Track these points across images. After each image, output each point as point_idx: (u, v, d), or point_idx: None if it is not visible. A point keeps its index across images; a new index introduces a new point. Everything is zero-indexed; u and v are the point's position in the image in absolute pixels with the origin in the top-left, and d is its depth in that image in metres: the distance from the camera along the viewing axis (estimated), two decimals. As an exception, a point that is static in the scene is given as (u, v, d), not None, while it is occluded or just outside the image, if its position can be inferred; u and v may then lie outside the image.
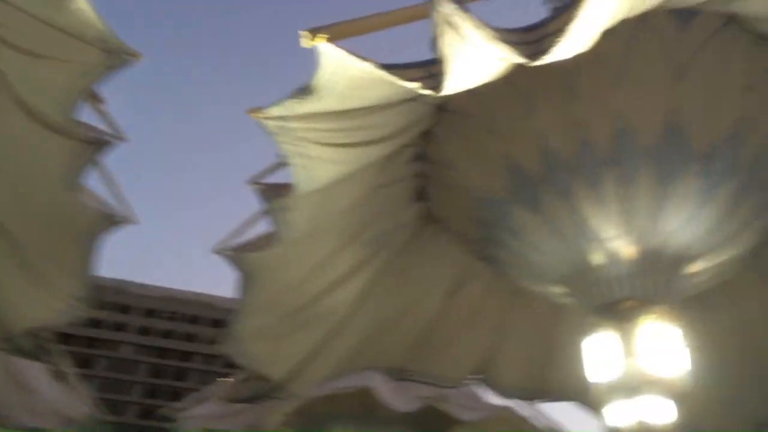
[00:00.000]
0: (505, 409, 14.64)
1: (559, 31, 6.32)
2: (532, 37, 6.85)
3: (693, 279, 8.58)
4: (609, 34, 6.86)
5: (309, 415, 13.29)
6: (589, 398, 10.78)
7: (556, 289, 9.38)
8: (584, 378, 9.09)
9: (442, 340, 11.89)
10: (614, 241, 8.24)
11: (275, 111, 7.34)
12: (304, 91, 7.13)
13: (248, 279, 9.38)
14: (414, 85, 6.85)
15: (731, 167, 7.61)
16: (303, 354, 11.04)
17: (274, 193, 8.55)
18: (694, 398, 8.16)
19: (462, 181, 9.22)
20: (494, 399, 13.87)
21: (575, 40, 6.49)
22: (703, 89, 7.55)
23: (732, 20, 7.29)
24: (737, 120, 7.56)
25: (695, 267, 8.39)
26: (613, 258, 8.36)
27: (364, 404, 13.52)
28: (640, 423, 7.77)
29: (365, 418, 12.97)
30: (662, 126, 7.62)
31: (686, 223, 7.95)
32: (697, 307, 10.36)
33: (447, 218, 10.25)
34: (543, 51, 6.50)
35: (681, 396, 7.87)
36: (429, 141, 9.28)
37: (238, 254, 9.29)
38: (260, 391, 11.11)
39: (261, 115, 7.36)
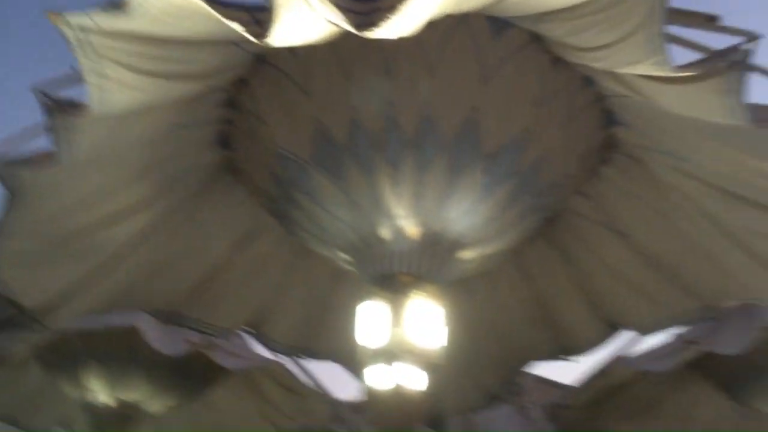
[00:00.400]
0: (274, 362, 14.89)
1: (391, 8, 6.43)
2: (364, 8, 6.89)
3: (463, 264, 9.41)
4: (431, 25, 7.13)
5: (63, 350, 12.34)
6: (353, 361, 11.50)
7: (342, 256, 9.74)
8: (352, 341, 9.62)
9: (221, 289, 11.81)
10: (402, 220, 8.74)
11: (78, 20, 6.57)
12: (115, 5, 6.48)
13: (14, 197, 8.46)
14: (237, 27, 6.54)
15: (511, 170, 8.42)
16: (64, 286, 10.31)
17: (60, 108, 7.69)
18: (443, 370, 8.98)
19: (268, 137, 9.11)
20: (264, 352, 14.08)
21: (404, 22, 6.68)
22: (501, 96, 8.20)
23: (537, 39, 8.01)
24: (523, 130, 8.35)
25: (466, 254, 9.20)
26: (398, 235, 8.87)
27: (128, 345, 12.83)
28: (396, 387, 8.36)
29: (127, 359, 12.36)
30: (461, 121, 8.18)
31: (466, 213, 8.67)
32: (460, 290, 11.52)
33: (247, 170, 10.10)
34: (373, 24, 6.56)
35: (434, 367, 8.61)
36: (241, 89, 9.00)
37: (6, 167, 8.30)
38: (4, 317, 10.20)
39: (61, 21, 6.56)
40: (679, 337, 12.14)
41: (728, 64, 6.43)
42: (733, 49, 6.71)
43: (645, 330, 11.70)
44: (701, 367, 14.66)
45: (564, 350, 12.41)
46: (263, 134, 9.19)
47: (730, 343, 11.82)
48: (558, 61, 8.17)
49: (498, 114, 8.25)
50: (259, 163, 9.58)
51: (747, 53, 6.54)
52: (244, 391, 14.26)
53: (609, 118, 8.84)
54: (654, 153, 8.79)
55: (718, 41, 7.45)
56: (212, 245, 11.22)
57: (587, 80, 8.32)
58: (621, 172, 9.50)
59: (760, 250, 9.12)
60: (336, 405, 16.06)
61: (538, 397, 18.11)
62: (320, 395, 16.03)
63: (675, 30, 7.49)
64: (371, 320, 8.95)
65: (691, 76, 6.64)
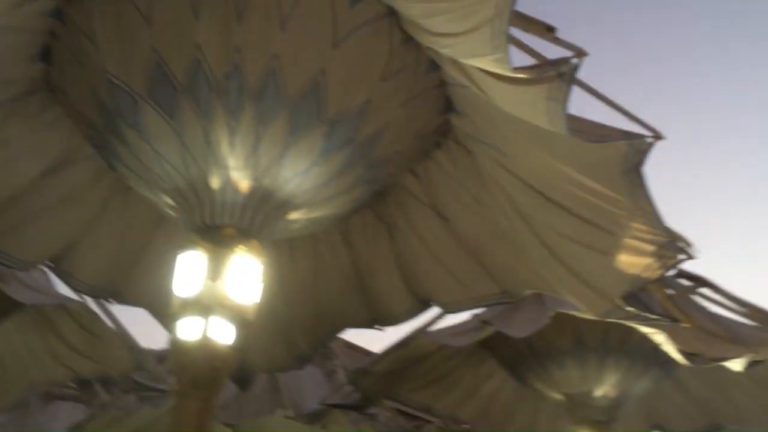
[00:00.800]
0: (76, 302, 13.96)
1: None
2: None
3: (289, 225, 9.41)
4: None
5: None
6: (162, 309, 11.07)
7: (165, 199, 9.28)
8: (164, 289, 9.25)
9: (25, 218, 10.69)
10: (234, 171, 8.50)
11: None
12: None
13: None
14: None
15: (349, 139, 8.52)
16: None
17: None
18: (254, 327, 8.97)
19: (98, 60, 8.33)
20: (67, 291, 13.13)
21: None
22: (350, 63, 8.19)
23: (392, 14, 8.09)
24: (366, 101, 8.46)
25: (294, 215, 9.21)
26: (228, 186, 8.63)
27: None
28: (204, 339, 8.21)
29: None
30: (307, 81, 8.09)
31: (300, 174, 8.65)
32: (282, 250, 11.53)
33: (68, 91, 9.18)
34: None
35: (245, 323, 8.57)
36: (72, 2, 8.16)
37: None
38: None
39: None
40: (476, 317, 13.23)
41: (557, 74, 6.92)
42: (563, 60, 7.23)
43: (451, 308, 12.48)
44: (490, 346, 16.19)
45: (377, 320, 12.88)
46: (92, 56, 8.40)
47: (519, 327, 13.11)
48: (409, 40, 8.30)
49: (344, 81, 8.26)
50: (84, 86, 8.76)
51: (575, 67, 7.13)
52: (36, 328, 13.26)
53: (447, 105, 9.20)
54: (481, 145, 9.29)
55: (552, 51, 8.04)
56: (19, 167, 10.09)
57: (433, 64, 8.59)
58: (450, 158, 9.96)
59: (559, 249, 9.97)
60: (140, 353, 15.45)
61: (345, 362, 18.85)
62: (124, 341, 15.29)
63: (516, 33, 7.95)
64: (188, 270, 8.68)
65: (525, 78, 7.07)
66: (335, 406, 17.87)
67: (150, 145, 8.56)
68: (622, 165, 7.42)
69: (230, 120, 8.19)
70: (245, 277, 8.67)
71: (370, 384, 16.10)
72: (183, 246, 8.84)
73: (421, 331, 13.08)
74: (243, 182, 8.60)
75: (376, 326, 12.99)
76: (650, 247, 8.22)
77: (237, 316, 8.47)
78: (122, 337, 15.76)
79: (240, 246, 8.70)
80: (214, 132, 8.23)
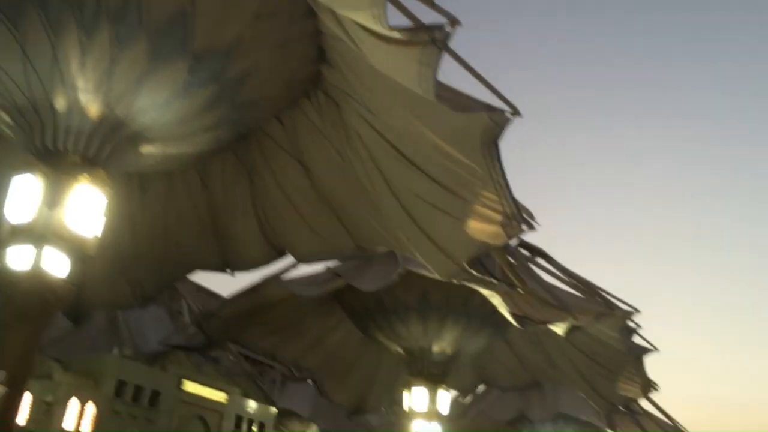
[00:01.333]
0: None
1: None
2: None
3: (142, 158, 8.93)
4: None
5: None
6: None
7: (3, 117, 8.46)
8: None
9: None
10: (83, 94, 7.89)
11: None
12: None
13: None
14: None
15: (215, 76, 8.15)
16: None
17: None
18: (94, 262, 8.51)
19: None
20: None
21: None
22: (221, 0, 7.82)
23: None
24: (236, 39, 8.12)
25: (148, 149, 8.75)
26: (76, 110, 8.02)
27: None
28: (35, 270, 7.70)
29: None
30: (174, 10, 7.60)
31: (157, 107, 8.20)
32: (133, 184, 10.94)
33: None
34: None
35: (83, 257, 8.10)
36: None
37: None
38: None
39: None
40: (329, 270, 13.43)
41: (430, 39, 7.04)
42: (437, 27, 7.37)
43: (305, 258, 12.56)
44: (339, 298, 16.60)
45: (229, 264, 12.67)
46: None
47: (369, 281, 13.49)
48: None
49: (215, 14, 7.85)
50: None
51: (448, 35, 7.27)
52: None
53: (320, 55, 9.07)
54: (350, 99, 9.28)
55: (429, 17, 8.13)
56: None
57: (310, 11, 8.38)
58: (318, 110, 9.87)
59: (415, 210, 10.29)
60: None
61: (194, 304, 18.45)
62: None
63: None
64: (23, 195, 8.01)
65: (399, 39, 7.14)
66: (177, 347, 17.56)
67: (-8, 55, 7.67)
68: (482, 136, 7.80)
69: (83, 38, 7.50)
70: (87, 208, 8.17)
71: (216, 327, 15.93)
72: (19, 169, 8.13)
73: (273, 279, 13.05)
74: (92, 107, 8.01)
75: (228, 270, 12.82)
76: (498, 217, 8.80)
77: (74, 248, 7.98)
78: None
79: (84, 175, 8.13)
80: (64, 49, 7.50)
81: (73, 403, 18.08)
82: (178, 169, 10.74)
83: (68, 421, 17.99)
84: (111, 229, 9.07)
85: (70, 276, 7.97)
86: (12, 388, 7.28)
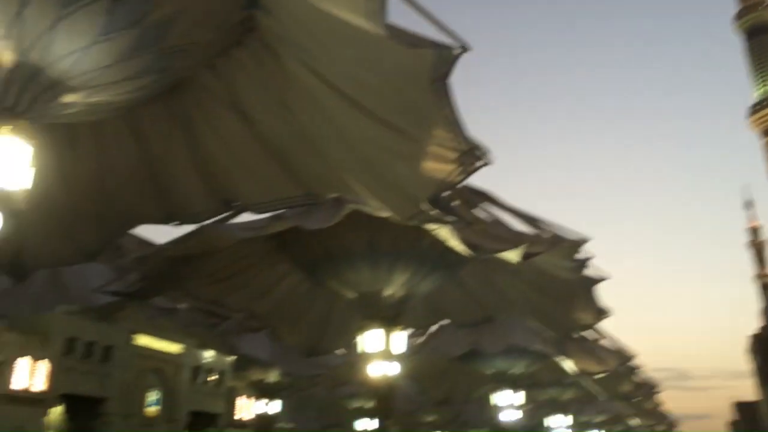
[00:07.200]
0: None
1: None
2: None
3: (66, 108, 8.42)
4: None
5: None
6: None
7: None
8: None
9: None
10: (-5, 41, 7.32)
11: None
12: None
13: None
14: None
15: (136, 20, 7.58)
16: None
17: None
18: (28, 217, 8.17)
19: None
20: None
21: None
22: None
23: None
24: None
25: (70, 97, 8.23)
26: (-11, 59, 7.45)
27: None
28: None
29: None
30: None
31: (77, 53, 7.64)
32: (62, 138, 10.41)
33: None
34: None
35: (12, 211, 7.76)
36: None
37: None
38: None
39: None
40: (274, 216, 13.18)
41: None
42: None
43: (254, 209, 12.30)
44: (286, 248, 16.43)
45: (175, 217, 12.32)
46: None
47: (314, 221, 13.29)
48: None
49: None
50: None
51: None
52: None
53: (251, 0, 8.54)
54: (288, 44, 8.85)
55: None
56: None
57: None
58: (254, 57, 9.35)
59: (366, 155, 10.04)
60: None
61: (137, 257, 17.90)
62: None
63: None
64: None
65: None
66: (116, 293, 17.10)
67: None
68: (431, 73, 7.54)
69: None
70: (12, 160, 7.68)
71: (153, 270, 15.56)
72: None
73: (213, 224, 12.69)
74: (4, 54, 7.42)
75: (174, 223, 12.46)
76: (453, 154, 8.68)
77: (2, 202, 7.61)
78: None
79: (5, 126, 7.64)
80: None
81: (23, 362, 17.73)
82: (108, 122, 10.18)
83: (19, 379, 17.67)
84: (44, 184, 8.66)
85: (2, 232, 7.62)
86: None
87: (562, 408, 43.69)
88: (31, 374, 18.02)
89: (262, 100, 9.92)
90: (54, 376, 18.50)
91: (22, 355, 17.73)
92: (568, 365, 29.31)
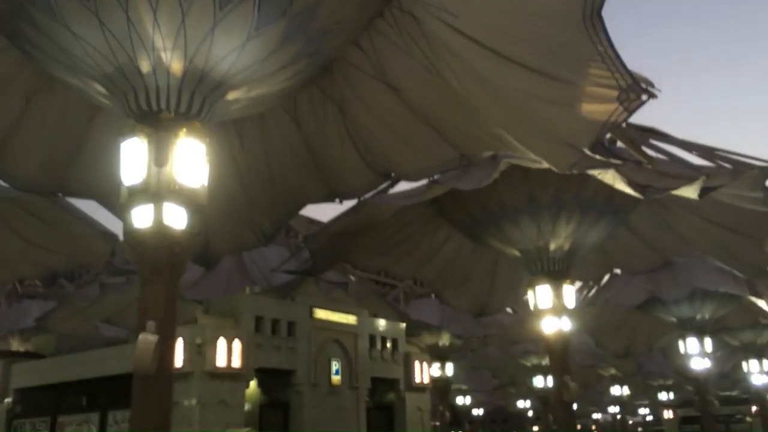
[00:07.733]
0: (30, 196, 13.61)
1: None
2: None
3: (230, 105, 9.00)
4: None
5: None
6: (111, 199, 10.84)
7: (95, 87, 8.74)
8: (110, 179, 8.99)
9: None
10: (163, 52, 7.95)
11: None
12: None
13: None
14: None
15: (283, 10, 7.83)
16: None
17: None
18: (209, 210, 8.83)
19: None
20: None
21: None
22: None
23: None
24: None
25: (234, 94, 8.77)
26: (160, 69, 8.12)
27: None
28: (157, 225, 8.11)
29: None
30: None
31: (235, 51, 8.12)
32: (229, 132, 11.16)
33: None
34: None
35: (196, 207, 8.41)
36: None
37: None
38: None
39: None
40: (431, 181, 13.24)
41: None
42: None
43: (411, 177, 12.50)
44: (445, 213, 16.45)
45: (336, 194, 12.85)
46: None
47: (469, 182, 13.16)
48: None
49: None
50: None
51: None
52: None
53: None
54: (427, 8, 8.70)
55: None
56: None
57: None
58: (396, 27, 9.33)
59: (519, 107, 9.64)
60: (113, 238, 15.41)
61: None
62: (95, 228, 15.18)
63: None
64: (132, 157, 8.37)
65: None
66: (291, 272, 18.23)
67: (65, 26, 7.81)
68: (582, 9, 7.07)
69: (151, -1, 7.48)
70: (191, 160, 8.35)
71: (321, 247, 16.35)
72: (123, 134, 8.44)
73: (370, 198, 13.03)
74: (174, 63, 8.06)
75: (336, 200, 13.01)
76: (613, 92, 8.02)
77: (188, 199, 8.23)
78: (91, 224, 15.58)
79: (182, 129, 8.30)
80: (135, 10, 7.46)
81: (221, 342, 19.48)
82: (269, 112, 10.78)
83: (220, 358, 19.43)
84: (220, 179, 9.33)
85: (189, 226, 8.33)
86: (163, 334, 7.81)
87: (757, 352, 40.17)
88: (228, 352, 19.72)
89: (408, 69, 9.95)
90: (247, 353, 20.10)
91: (219, 336, 19.45)
92: (764, 305, 26.77)
